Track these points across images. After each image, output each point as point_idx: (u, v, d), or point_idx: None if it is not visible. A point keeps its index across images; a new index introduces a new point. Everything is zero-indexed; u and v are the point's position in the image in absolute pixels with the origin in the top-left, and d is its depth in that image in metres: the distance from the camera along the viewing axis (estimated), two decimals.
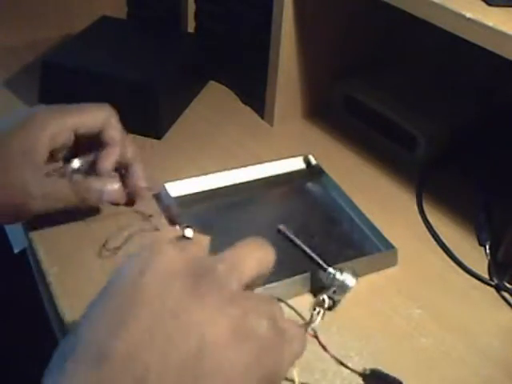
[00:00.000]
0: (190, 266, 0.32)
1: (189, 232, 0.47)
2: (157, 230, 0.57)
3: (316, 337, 0.47)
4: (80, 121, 0.52)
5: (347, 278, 0.49)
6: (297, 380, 0.40)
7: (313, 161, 0.66)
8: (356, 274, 0.49)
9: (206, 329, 0.30)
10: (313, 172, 0.66)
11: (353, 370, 0.45)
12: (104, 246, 0.54)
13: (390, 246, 0.56)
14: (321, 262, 0.52)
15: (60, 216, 0.54)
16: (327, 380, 0.45)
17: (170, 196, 0.59)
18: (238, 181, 0.63)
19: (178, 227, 0.55)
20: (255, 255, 0.34)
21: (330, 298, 0.49)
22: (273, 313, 0.33)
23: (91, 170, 0.54)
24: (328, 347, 0.46)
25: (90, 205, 0.53)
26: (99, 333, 0.30)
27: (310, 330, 0.47)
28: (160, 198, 0.60)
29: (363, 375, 0.45)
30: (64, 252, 0.54)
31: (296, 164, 0.66)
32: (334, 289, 0.49)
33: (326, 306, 0.49)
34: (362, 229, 0.59)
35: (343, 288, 0.49)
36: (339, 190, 0.62)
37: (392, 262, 0.56)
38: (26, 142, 0.49)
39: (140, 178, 0.55)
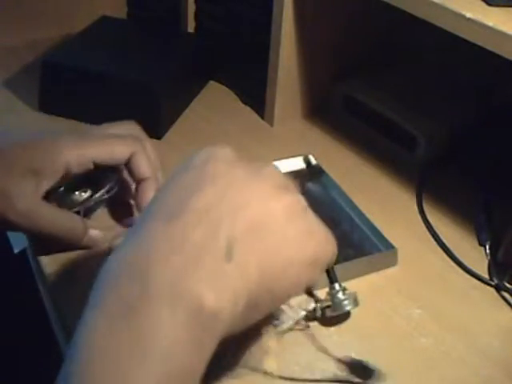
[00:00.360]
0: (246, 162, 0.38)
1: None
2: None
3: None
4: (100, 155, 0.51)
5: (347, 301, 0.48)
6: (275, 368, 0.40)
7: (313, 161, 0.66)
8: (357, 302, 0.48)
9: (266, 202, 0.35)
10: (313, 172, 0.66)
11: (338, 360, 0.45)
12: (110, 245, 0.54)
13: (390, 246, 0.56)
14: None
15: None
16: (327, 379, 0.45)
17: None
18: None
19: None
20: None
21: (321, 309, 0.48)
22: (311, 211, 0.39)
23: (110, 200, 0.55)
24: (328, 347, 0.46)
25: (66, 241, 0.52)
26: (173, 199, 0.34)
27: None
28: None
29: (348, 364, 0.45)
30: (64, 252, 0.54)
31: (296, 164, 0.66)
32: (330, 304, 0.48)
33: (315, 315, 0.48)
34: (362, 229, 0.59)
35: (339, 308, 0.48)
36: (339, 189, 0.62)
37: (392, 261, 0.56)
38: (39, 161, 0.48)
39: (150, 195, 0.53)
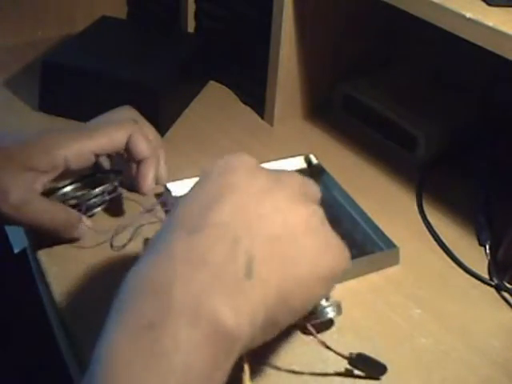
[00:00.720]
0: (266, 171, 0.38)
1: None
2: (162, 221, 0.57)
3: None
4: (99, 145, 0.52)
5: (330, 309, 0.45)
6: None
7: (314, 160, 0.66)
8: (340, 311, 0.46)
9: (285, 214, 0.36)
10: (314, 171, 0.66)
11: (338, 354, 0.44)
12: (111, 244, 0.54)
13: (392, 245, 0.56)
14: None
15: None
16: (327, 379, 0.45)
17: (171, 195, 0.59)
18: None
19: None
20: None
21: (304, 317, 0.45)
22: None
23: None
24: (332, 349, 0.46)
25: (59, 234, 0.52)
26: (194, 210, 0.35)
27: None
28: (162, 198, 0.60)
29: (349, 359, 0.44)
30: (64, 252, 0.54)
31: (297, 163, 0.66)
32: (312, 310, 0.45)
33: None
34: (363, 228, 0.59)
35: (321, 316, 0.45)
36: (340, 189, 0.62)
37: (394, 260, 0.56)
38: (37, 158, 0.49)
39: (149, 173, 0.54)
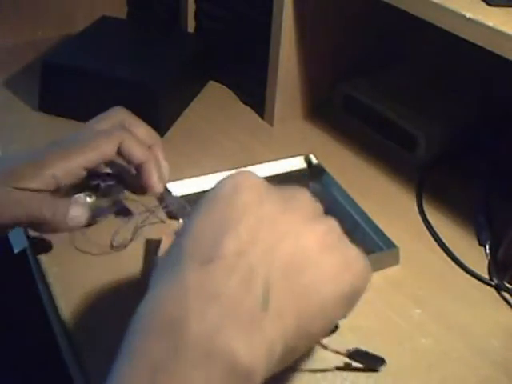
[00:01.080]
0: (275, 190, 0.36)
1: None
2: (163, 221, 0.58)
3: None
4: (88, 160, 0.50)
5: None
6: None
7: (314, 160, 0.66)
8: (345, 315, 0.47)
9: (299, 237, 0.34)
10: (314, 171, 0.66)
11: (335, 352, 0.45)
12: (111, 244, 0.54)
13: (392, 245, 0.56)
14: None
15: None
16: (328, 380, 0.45)
17: (171, 196, 0.59)
18: None
19: (181, 221, 0.55)
20: None
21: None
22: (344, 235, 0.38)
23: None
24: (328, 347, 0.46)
25: (51, 225, 0.50)
26: (204, 238, 0.33)
27: None
28: (162, 197, 0.60)
29: (347, 354, 0.44)
30: (64, 252, 0.54)
31: (297, 163, 0.66)
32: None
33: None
34: (363, 228, 0.59)
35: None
36: (340, 189, 0.62)
37: (394, 260, 0.56)
38: (27, 179, 0.48)
39: (152, 176, 0.53)
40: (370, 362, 0.45)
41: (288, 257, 0.33)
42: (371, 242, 0.57)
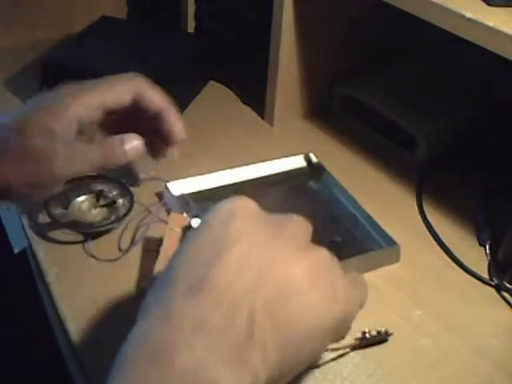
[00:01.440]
0: (269, 218, 0.36)
1: (195, 222, 0.47)
2: (162, 221, 0.57)
3: None
4: (104, 99, 0.49)
5: None
6: None
7: (314, 159, 0.66)
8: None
9: (288, 267, 0.34)
10: (314, 170, 0.66)
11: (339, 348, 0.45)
12: (119, 248, 0.54)
13: (392, 243, 0.56)
14: None
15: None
16: (328, 380, 0.45)
17: (172, 195, 0.59)
18: (239, 179, 0.63)
19: (185, 215, 0.55)
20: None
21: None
22: (336, 263, 0.37)
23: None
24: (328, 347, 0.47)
25: (114, 165, 0.49)
26: (194, 265, 0.33)
27: None
28: (162, 197, 0.60)
29: (353, 346, 0.46)
30: (64, 252, 0.54)
31: (297, 162, 0.66)
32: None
33: None
34: (364, 226, 0.59)
35: None
36: (340, 187, 0.62)
37: (395, 258, 0.56)
38: (48, 120, 0.47)
39: (176, 122, 0.51)
40: (378, 338, 0.47)
41: (275, 288, 0.33)
42: (372, 240, 0.57)
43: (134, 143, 0.49)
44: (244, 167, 0.64)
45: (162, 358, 0.30)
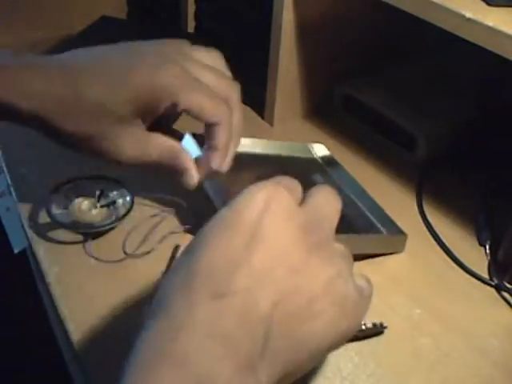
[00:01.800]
0: (303, 218, 0.35)
1: None
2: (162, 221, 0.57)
3: None
4: (192, 108, 0.49)
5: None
6: None
7: (325, 151, 0.68)
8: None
9: (309, 279, 0.33)
10: (324, 162, 0.66)
11: None
12: (124, 251, 0.54)
13: (401, 232, 0.57)
14: None
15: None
16: (328, 380, 0.45)
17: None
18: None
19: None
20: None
21: None
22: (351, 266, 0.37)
23: None
24: None
25: (172, 170, 0.49)
26: (220, 267, 0.32)
27: None
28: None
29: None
30: (64, 252, 0.54)
31: (305, 151, 0.68)
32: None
33: None
34: (371, 217, 0.59)
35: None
36: (351, 179, 0.64)
37: (400, 246, 0.57)
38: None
39: (221, 148, 0.49)
40: (372, 332, 0.48)
41: (295, 308, 0.32)
42: (380, 230, 0.58)
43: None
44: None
45: (177, 362, 0.29)
